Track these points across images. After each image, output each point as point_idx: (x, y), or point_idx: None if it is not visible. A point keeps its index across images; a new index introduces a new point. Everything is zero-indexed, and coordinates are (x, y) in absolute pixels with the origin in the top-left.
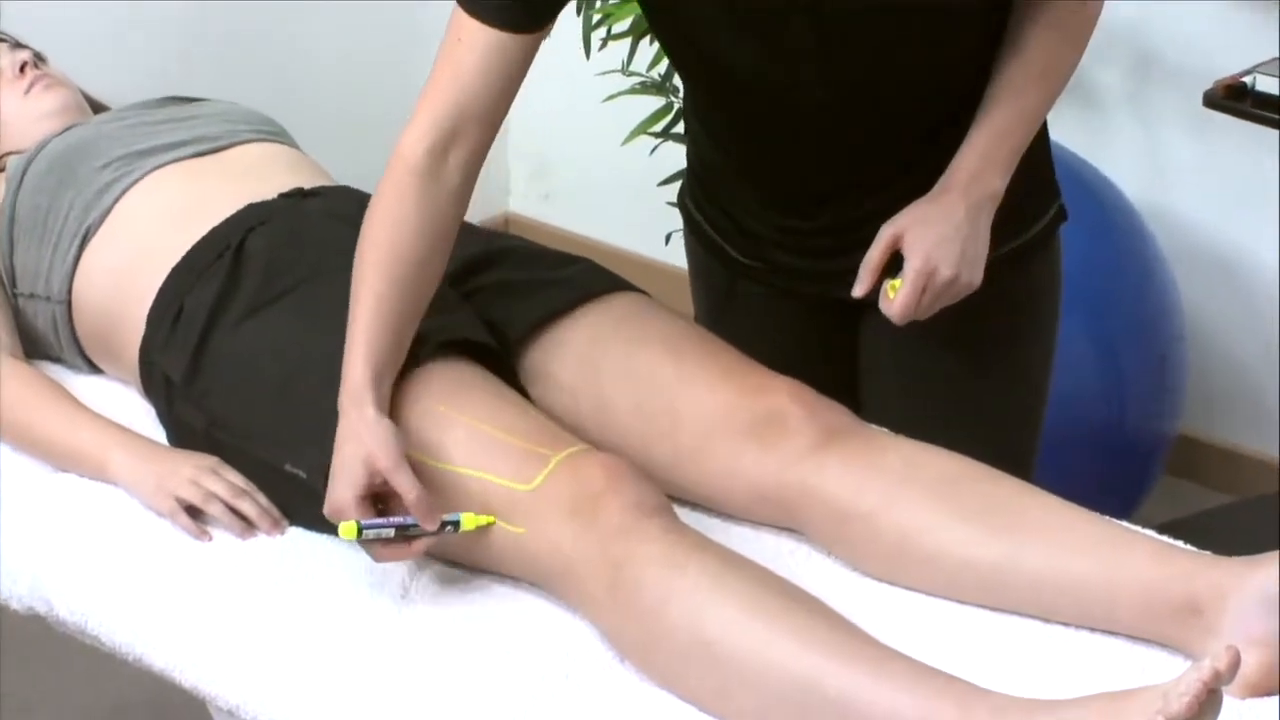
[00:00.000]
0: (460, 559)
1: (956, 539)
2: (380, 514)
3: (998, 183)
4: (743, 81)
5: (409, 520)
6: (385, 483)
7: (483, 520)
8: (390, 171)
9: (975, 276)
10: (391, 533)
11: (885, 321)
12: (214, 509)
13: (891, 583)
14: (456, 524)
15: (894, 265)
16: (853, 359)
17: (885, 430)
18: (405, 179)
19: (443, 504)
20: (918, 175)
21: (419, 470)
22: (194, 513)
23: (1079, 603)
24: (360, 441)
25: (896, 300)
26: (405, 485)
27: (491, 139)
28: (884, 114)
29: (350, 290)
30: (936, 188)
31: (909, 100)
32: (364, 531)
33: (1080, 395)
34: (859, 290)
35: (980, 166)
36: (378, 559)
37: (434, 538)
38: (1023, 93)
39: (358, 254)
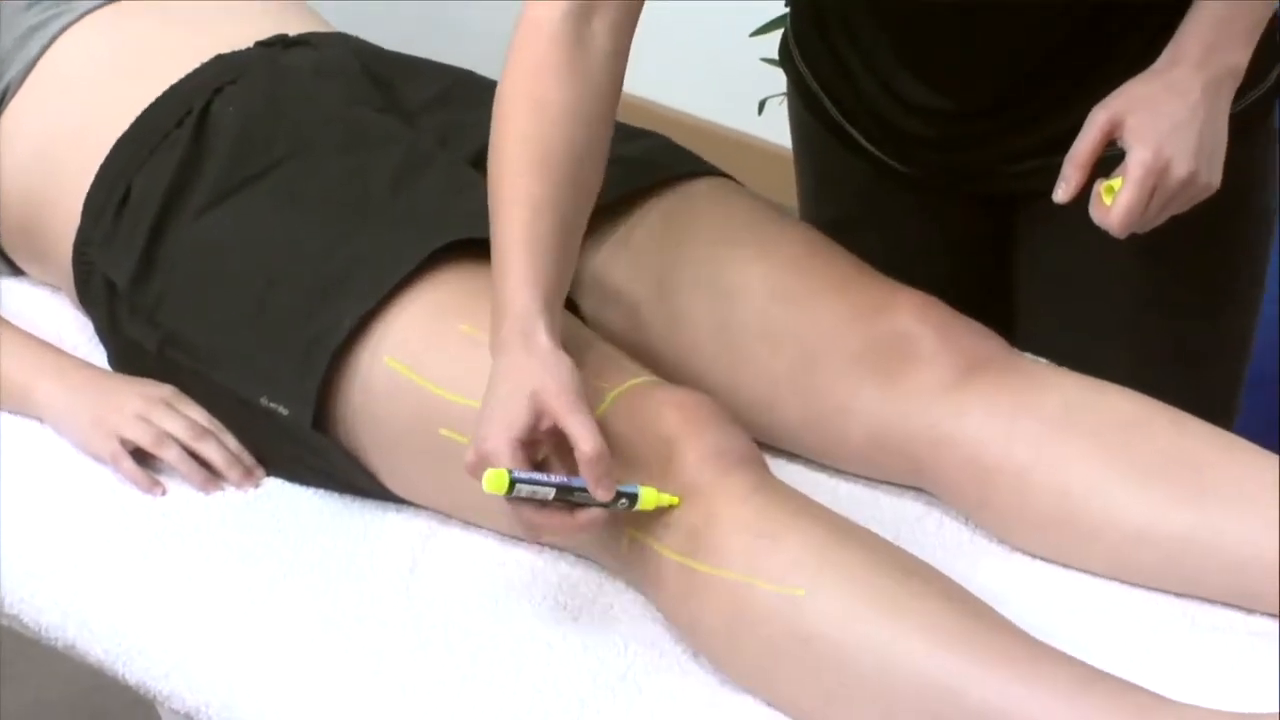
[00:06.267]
0: (485, 519)
1: (1133, 504)
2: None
3: (1239, 56)
4: None
5: (575, 482)
6: (551, 429)
7: (665, 500)
8: (521, 45)
9: (1215, 175)
10: (551, 493)
11: (1049, 216)
12: (169, 453)
13: (1048, 559)
14: (634, 498)
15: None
16: (1005, 268)
17: (1045, 361)
18: (543, 52)
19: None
20: (1098, 47)
21: (438, 411)
22: (143, 458)
23: None
24: (529, 374)
25: (1116, 205)
26: (583, 431)
27: None
28: None
29: (490, 199)
30: (1162, 60)
31: None
32: (516, 485)
33: None
34: (1063, 194)
35: (1216, 35)
36: (529, 527)
37: (605, 510)
38: None
39: (494, 152)
